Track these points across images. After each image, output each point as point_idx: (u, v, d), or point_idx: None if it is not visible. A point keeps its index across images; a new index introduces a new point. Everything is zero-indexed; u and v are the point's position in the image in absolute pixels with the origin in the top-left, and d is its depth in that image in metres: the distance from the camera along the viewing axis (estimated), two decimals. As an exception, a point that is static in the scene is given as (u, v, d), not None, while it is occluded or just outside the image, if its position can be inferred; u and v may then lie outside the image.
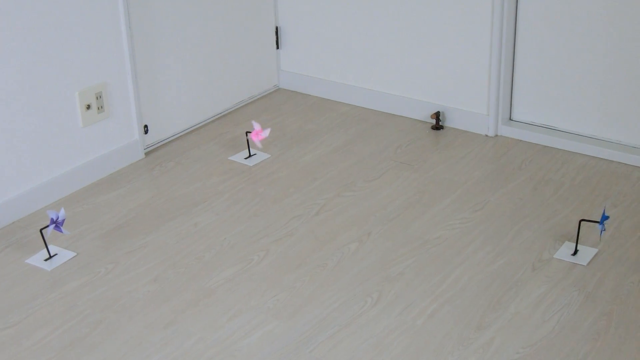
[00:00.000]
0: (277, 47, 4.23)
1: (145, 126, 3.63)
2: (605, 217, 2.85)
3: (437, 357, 2.45)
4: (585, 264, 2.86)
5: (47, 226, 2.91)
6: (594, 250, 2.92)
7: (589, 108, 3.60)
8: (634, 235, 3.01)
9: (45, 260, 2.93)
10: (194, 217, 3.19)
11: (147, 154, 3.65)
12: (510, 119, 3.81)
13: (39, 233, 2.98)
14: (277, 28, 4.20)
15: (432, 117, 3.85)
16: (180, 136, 3.81)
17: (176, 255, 2.96)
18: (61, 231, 2.90)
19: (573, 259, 2.88)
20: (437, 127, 3.84)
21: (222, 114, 4.01)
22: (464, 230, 3.07)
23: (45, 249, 2.95)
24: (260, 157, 3.60)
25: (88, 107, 3.36)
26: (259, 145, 3.52)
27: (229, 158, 3.61)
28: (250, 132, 3.54)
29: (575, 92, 3.60)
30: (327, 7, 4.02)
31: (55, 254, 2.95)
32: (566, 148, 3.63)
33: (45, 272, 2.88)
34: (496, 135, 3.78)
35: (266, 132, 3.50)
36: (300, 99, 4.18)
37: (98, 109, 3.40)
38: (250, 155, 3.61)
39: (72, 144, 3.34)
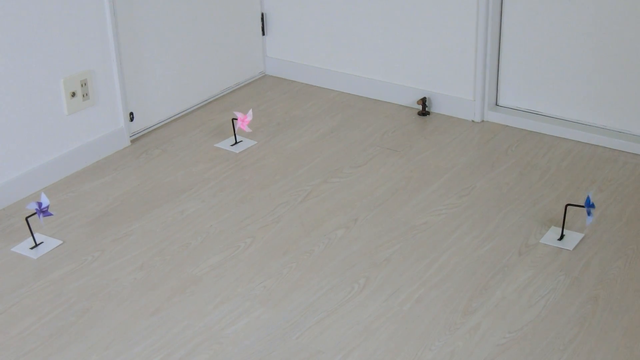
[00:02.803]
0: (263, 34, 4.22)
1: (131, 113, 3.62)
2: (590, 205, 2.85)
3: (424, 342, 2.46)
4: (571, 248, 2.86)
5: (33, 214, 2.90)
6: (580, 235, 2.93)
7: (575, 93, 3.60)
8: (619, 220, 3.02)
9: (31, 248, 2.92)
10: (181, 204, 3.18)
11: (132, 141, 3.64)
12: (496, 105, 3.81)
13: (25, 221, 2.97)
14: (262, 14, 4.18)
15: (418, 103, 3.85)
16: (166, 123, 3.80)
17: (162, 242, 2.95)
18: (40, 219, 2.88)
19: (559, 244, 2.89)
20: (424, 113, 3.84)
21: (208, 101, 4.00)
22: (451, 215, 3.08)
23: (31, 237, 2.94)
24: (246, 144, 3.59)
25: (73, 94, 3.34)
26: (247, 129, 3.51)
27: (215, 145, 3.60)
28: (236, 119, 3.54)
29: (561, 77, 3.61)
30: (313, -7, 4.02)
31: (41, 242, 2.94)
32: (552, 133, 3.63)
33: (31, 261, 2.87)
34: (482, 121, 3.78)
35: (250, 116, 3.50)
36: (286, 85, 4.18)
37: (83, 96, 3.38)
38: (236, 142, 3.60)
39: (58, 131, 3.33)
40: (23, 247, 2.93)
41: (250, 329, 2.53)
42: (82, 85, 3.36)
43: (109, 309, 2.63)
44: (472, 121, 3.79)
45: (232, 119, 3.61)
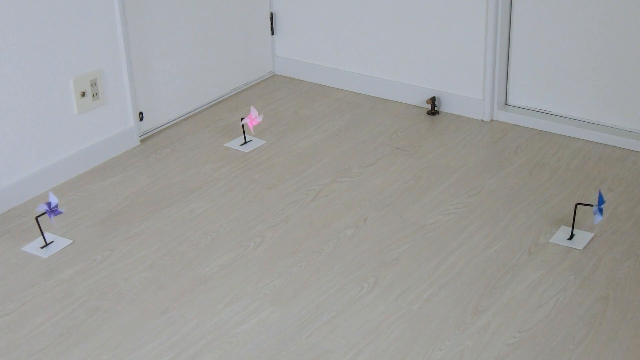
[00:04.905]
0: (272, 33, 4.22)
1: (141, 113, 3.62)
2: (601, 202, 2.84)
3: (434, 341, 2.46)
4: (581, 248, 2.86)
5: (43, 214, 2.91)
6: (590, 235, 2.92)
7: (584, 92, 3.59)
8: (629, 220, 3.02)
9: (42, 247, 2.93)
10: (190, 203, 3.18)
11: (142, 141, 3.65)
12: (506, 104, 3.80)
13: (35, 221, 2.98)
14: (271, 14, 4.18)
15: (427, 102, 3.84)
16: (176, 123, 3.80)
17: (172, 242, 2.96)
18: (51, 218, 2.89)
19: (569, 243, 2.88)
20: (433, 112, 3.84)
21: (217, 100, 4.01)
22: (460, 215, 3.07)
23: (41, 237, 2.95)
24: (255, 143, 3.60)
25: (83, 94, 3.35)
26: (251, 131, 3.52)
27: (225, 144, 3.60)
28: (244, 118, 3.54)
29: (570, 76, 3.60)
30: (322, -7, 4.02)
31: (51, 242, 2.95)
32: (562, 132, 3.63)
33: (42, 260, 2.88)
34: (492, 120, 3.78)
35: (260, 118, 3.50)
36: (295, 85, 4.18)
37: (93, 96, 3.39)
38: (245, 142, 3.60)
39: (67, 131, 3.34)
40: (33, 246, 2.94)
41: (259, 328, 2.53)
42: (91, 85, 3.37)
43: (119, 308, 2.63)
44: (482, 120, 3.78)
45: (241, 119, 3.60)
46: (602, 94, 3.56)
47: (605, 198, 3.11)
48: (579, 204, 2.93)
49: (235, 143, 3.61)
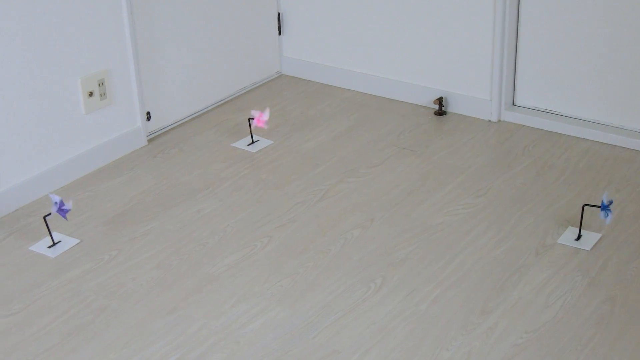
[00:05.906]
0: (280, 34, 4.22)
1: (148, 113, 3.63)
2: (607, 204, 2.84)
3: (441, 342, 2.46)
4: (588, 248, 2.85)
5: (50, 214, 2.91)
6: (598, 235, 2.92)
7: (592, 93, 3.59)
8: (637, 220, 3.01)
9: (49, 247, 2.93)
10: (197, 203, 3.19)
11: (149, 140, 3.65)
12: (513, 104, 3.80)
13: (43, 220, 2.98)
14: (279, 14, 4.19)
15: (435, 102, 3.84)
16: (183, 123, 3.81)
17: (179, 241, 2.96)
18: (64, 216, 2.90)
19: (576, 244, 2.88)
20: (440, 112, 3.84)
21: (225, 100, 4.01)
22: (467, 215, 3.07)
23: (49, 236, 2.95)
24: (262, 143, 3.60)
25: (90, 94, 3.35)
26: (265, 127, 3.51)
27: (232, 144, 3.60)
28: (252, 119, 3.54)
29: (578, 77, 3.59)
30: (330, -7, 4.02)
31: (59, 241, 2.96)
32: (569, 133, 3.62)
33: (49, 259, 2.88)
34: (499, 121, 3.77)
35: (266, 113, 3.49)
36: (302, 85, 4.18)
37: (100, 95, 3.40)
38: (253, 142, 3.60)
39: (75, 131, 3.34)
40: (41, 245, 2.94)
41: (266, 328, 2.53)
42: (99, 85, 3.38)
43: (126, 307, 2.64)
44: (489, 121, 3.78)
45: (249, 119, 3.61)
46: (609, 95, 3.55)
47: (613, 199, 3.10)
48: (586, 204, 2.92)
49: (242, 143, 3.61)
